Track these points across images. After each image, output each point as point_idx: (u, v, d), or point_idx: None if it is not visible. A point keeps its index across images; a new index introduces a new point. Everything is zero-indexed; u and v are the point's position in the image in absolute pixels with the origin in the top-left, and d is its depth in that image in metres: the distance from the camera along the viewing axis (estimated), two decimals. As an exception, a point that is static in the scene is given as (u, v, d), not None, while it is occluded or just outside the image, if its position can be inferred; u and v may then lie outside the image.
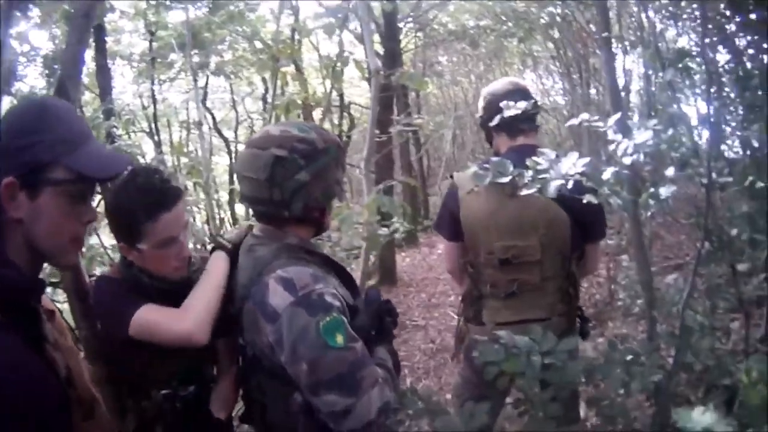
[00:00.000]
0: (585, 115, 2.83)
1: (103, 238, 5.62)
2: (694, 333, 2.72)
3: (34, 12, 8.90)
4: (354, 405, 2.37)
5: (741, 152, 3.35)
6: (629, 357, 2.58)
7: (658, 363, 2.60)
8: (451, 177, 3.92)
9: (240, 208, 13.61)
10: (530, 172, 2.52)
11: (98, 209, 2.25)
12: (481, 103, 3.94)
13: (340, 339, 2.39)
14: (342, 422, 2.40)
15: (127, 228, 2.72)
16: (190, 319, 2.64)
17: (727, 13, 3.50)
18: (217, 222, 12.72)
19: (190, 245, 3.33)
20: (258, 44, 13.67)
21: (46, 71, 9.85)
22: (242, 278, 2.70)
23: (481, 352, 2.57)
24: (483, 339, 2.74)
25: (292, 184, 2.57)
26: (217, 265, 2.83)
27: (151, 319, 2.68)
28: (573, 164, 2.46)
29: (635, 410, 2.99)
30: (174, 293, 2.81)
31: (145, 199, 2.64)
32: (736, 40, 3.89)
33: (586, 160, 2.46)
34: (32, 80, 10.22)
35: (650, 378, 2.53)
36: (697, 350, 2.71)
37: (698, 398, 2.92)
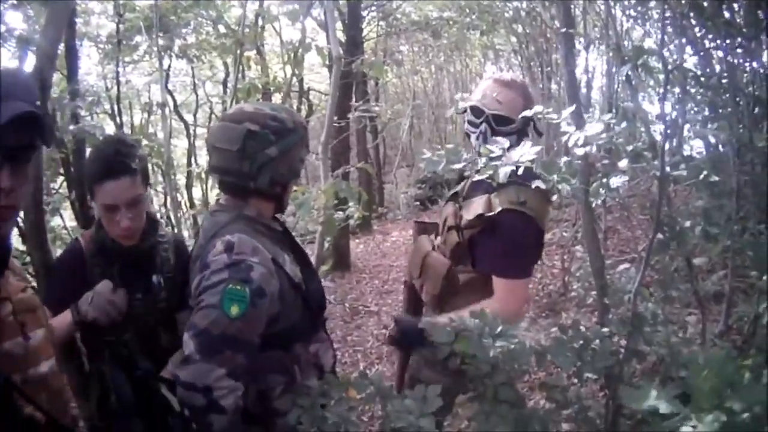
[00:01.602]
0: (539, 107, 2.89)
1: (65, 220, 5.66)
2: (646, 322, 2.78)
3: None
4: (197, 362, 2.47)
5: (701, 150, 3.43)
6: (580, 342, 2.64)
7: (609, 349, 2.66)
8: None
9: (197, 192, 13.58)
10: (483, 159, 2.58)
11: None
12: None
13: (234, 310, 2.49)
14: (181, 367, 2.51)
15: (85, 183, 3.02)
16: None
17: (691, 14, 3.57)
18: (175, 203, 12.73)
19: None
20: (222, 28, 13.64)
21: (19, 53, 9.78)
22: (201, 239, 2.81)
23: (434, 332, 2.62)
24: (436, 321, 2.80)
25: (261, 157, 2.70)
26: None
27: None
28: (525, 152, 2.52)
29: (589, 399, 3.04)
30: (134, 260, 3.10)
31: (98, 162, 2.94)
32: (705, 41, 3.97)
33: (538, 148, 2.53)
34: (5, 61, 10.15)
35: (602, 363, 2.59)
36: (650, 339, 2.77)
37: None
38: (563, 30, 4.52)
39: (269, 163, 2.72)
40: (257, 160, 2.71)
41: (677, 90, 3.50)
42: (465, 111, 3.60)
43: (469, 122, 3.58)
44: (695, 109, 3.67)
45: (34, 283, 2.91)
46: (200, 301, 2.54)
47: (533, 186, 2.78)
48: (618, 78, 8.88)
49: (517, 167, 2.51)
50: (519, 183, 2.96)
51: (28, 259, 4.19)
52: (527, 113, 2.98)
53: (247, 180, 2.76)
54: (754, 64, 3.82)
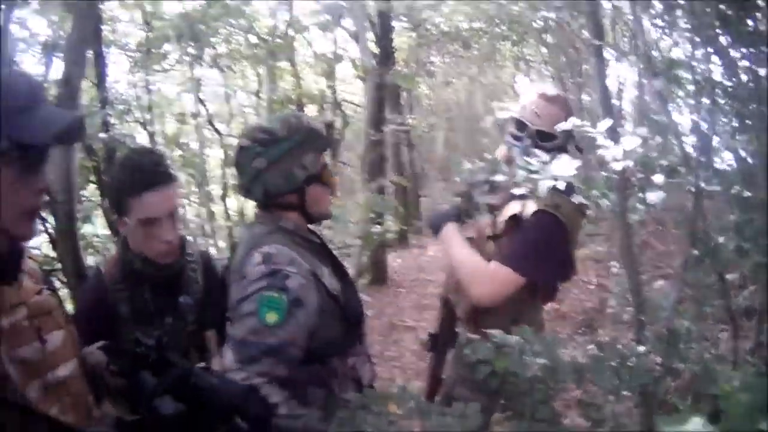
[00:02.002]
0: (576, 120, 2.87)
1: (97, 227, 5.68)
2: (682, 338, 2.75)
3: None
4: (236, 372, 2.49)
5: (731, 162, 3.38)
6: (618, 361, 2.61)
7: (646, 366, 2.63)
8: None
9: (232, 202, 13.59)
10: (522, 172, 2.56)
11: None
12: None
13: (271, 318, 2.53)
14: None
15: (116, 199, 2.90)
16: None
17: (720, 26, 3.53)
18: (210, 214, 12.74)
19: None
20: (253, 38, 13.66)
21: (44, 58, 9.82)
22: (239, 251, 2.83)
23: (473, 349, 2.63)
24: (475, 337, 2.78)
25: (251, 170, 2.79)
26: None
27: None
28: (565, 167, 2.50)
29: (625, 417, 3.01)
30: (164, 282, 2.99)
31: (133, 174, 2.82)
32: (731, 51, 3.93)
33: (577, 162, 2.51)
34: (30, 67, 10.21)
35: (638, 381, 2.56)
36: (685, 356, 2.74)
37: (686, 407, 2.95)
38: (594, 43, 4.50)
39: (258, 175, 2.78)
40: (247, 173, 2.80)
41: (706, 101, 3.47)
42: (506, 122, 3.59)
43: (512, 136, 3.57)
44: (724, 119, 3.63)
45: (61, 288, 2.95)
46: (238, 311, 2.58)
47: (573, 200, 2.77)
48: (649, 89, 8.82)
49: (557, 181, 2.49)
50: (562, 193, 2.95)
51: (58, 265, 4.21)
52: (564, 125, 2.96)
53: (246, 192, 2.87)
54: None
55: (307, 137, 2.86)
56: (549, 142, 3.48)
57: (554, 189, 2.59)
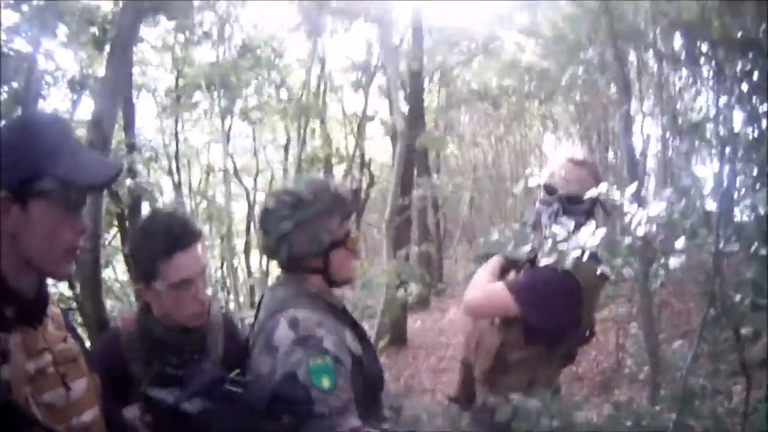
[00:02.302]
0: (604, 186, 2.88)
1: (117, 272, 5.70)
2: (697, 396, 2.74)
3: (61, 30, 8.96)
4: None
5: (749, 215, 3.37)
6: (633, 420, 2.60)
7: (660, 426, 2.62)
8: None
9: (254, 258, 13.64)
10: (550, 242, 2.57)
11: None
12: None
13: (326, 383, 2.46)
14: None
15: (143, 265, 2.67)
16: None
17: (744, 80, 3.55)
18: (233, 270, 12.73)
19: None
20: (284, 92, 13.77)
21: (72, 96, 9.88)
22: (261, 314, 2.79)
23: (495, 412, 2.65)
24: (495, 401, 2.77)
25: (277, 232, 2.75)
26: None
27: None
28: (591, 234, 2.50)
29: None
30: (185, 348, 2.71)
31: (162, 237, 2.63)
32: (754, 99, 3.93)
33: (603, 230, 2.51)
34: (56, 102, 10.26)
35: (655, 440, 2.55)
36: (698, 413, 2.73)
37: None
38: (621, 109, 4.52)
39: (284, 238, 2.75)
40: (273, 236, 2.77)
41: (729, 152, 3.46)
42: (537, 187, 3.61)
43: (542, 201, 3.59)
44: (744, 173, 3.62)
45: (82, 333, 2.88)
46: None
47: (598, 272, 2.78)
48: (673, 144, 8.85)
49: (583, 252, 2.50)
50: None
51: (74, 305, 4.23)
52: (593, 192, 2.96)
53: (272, 254, 2.84)
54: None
55: (333, 203, 2.84)
56: (577, 206, 3.49)
57: (580, 259, 2.60)
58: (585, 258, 2.48)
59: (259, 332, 2.71)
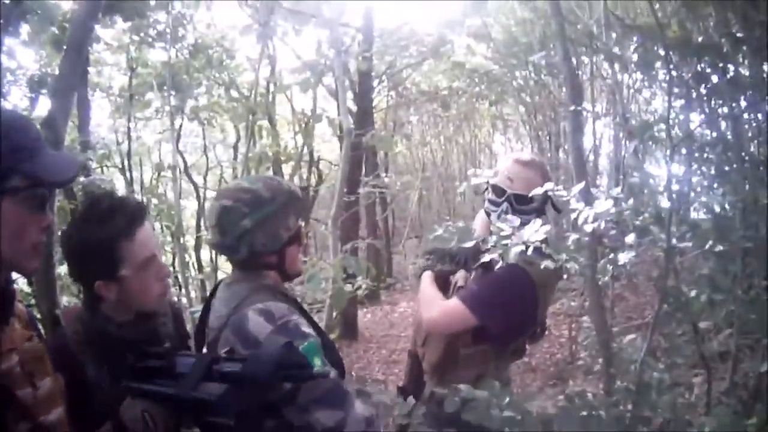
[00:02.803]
0: (550, 185, 2.93)
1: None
2: (652, 388, 2.79)
3: (24, 28, 8.89)
4: (345, 418, 2.49)
5: (705, 216, 3.44)
6: (587, 411, 2.65)
7: (615, 416, 2.67)
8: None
9: (205, 254, 13.57)
10: (494, 238, 2.62)
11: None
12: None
13: (318, 361, 2.40)
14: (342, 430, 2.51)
15: (103, 256, 2.47)
16: None
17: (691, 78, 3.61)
18: (183, 265, 12.67)
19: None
20: (234, 93, 13.74)
21: (31, 94, 9.81)
22: (220, 309, 2.77)
23: (444, 403, 2.70)
24: (443, 392, 2.83)
25: (236, 229, 2.72)
26: None
27: None
28: (535, 231, 2.55)
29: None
30: (141, 340, 2.56)
31: (119, 216, 2.51)
32: (710, 102, 4.00)
33: (548, 227, 2.56)
34: (16, 99, 10.18)
35: (609, 431, 2.60)
36: (655, 405, 2.78)
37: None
38: (571, 108, 4.58)
39: (245, 235, 2.73)
40: (233, 233, 2.73)
41: (684, 153, 3.52)
42: (486, 189, 3.65)
43: (490, 201, 3.63)
44: (701, 171, 3.69)
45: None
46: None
47: (542, 266, 2.82)
48: (625, 144, 8.95)
49: (527, 247, 2.55)
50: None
51: (32, 301, 4.20)
52: (539, 190, 3.02)
53: (231, 253, 2.80)
54: (760, 117, 3.87)
55: (290, 200, 2.86)
56: (526, 205, 3.54)
57: (524, 254, 2.65)
58: (529, 252, 2.53)
59: (221, 328, 2.68)
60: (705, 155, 3.50)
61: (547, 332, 3.83)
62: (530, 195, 3.39)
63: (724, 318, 2.99)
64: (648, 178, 3.31)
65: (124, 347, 2.46)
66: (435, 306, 3.46)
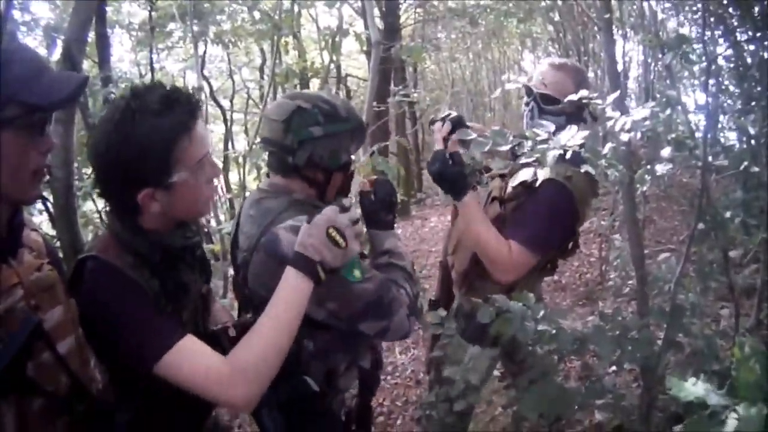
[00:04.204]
0: (584, 92, 2.85)
1: (98, 204, 5.61)
2: (685, 313, 2.74)
3: None
4: (389, 325, 2.53)
5: (737, 141, 3.36)
6: (619, 332, 2.61)
7: (648, 339, 2.62)
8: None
9: (233, 176, 13.53)
10: (530, 142, 2.54)
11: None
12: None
13: (357, 273, 2.47)
14: (383, 338, 2.64)
15: (158, 158, 2.14)
16: (243, 387, 2.13)
17: (730, 8, 3.50)
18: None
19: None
20: (257, 14, 13.57)
21: (47, 41, 9.79)
22: (250, 230, 2.73)
23: (479, 313, 2.66)
24: (477, 301, 2.77)
25: (304, 133, 2.66)
26: (296, 290, 2.31)
27: (190, 367, 2.12)
28: (572, 136, 2.48)
29: (623, 389, 3.02)
30: (182, 260, 2.44)
31: (174, 111, 2.16)
32: (737, 33, 3.90)
33: (585, 132, 2.49)
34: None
35: (641, 353, 2.55)
36: (687, 330, 2.73)
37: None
38: (604, 16, 4.47)
39: (311, 141, 2.68)
40: (299, 135, 2.67)
41: (713, 82, 3.44)
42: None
43: (525, 104, 3.59)
44: (729, 101, 3.61)
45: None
46: (324, 296, 2.47)
47: (582, 170, 2.76)
48: (654, 68, 8.81)
49: (565, 151, 2.48)
50: (570, 163, 2.93)
51: (57, 243, 4.18)
52: (572, 97, 2.94)
53: (287, 153, 2.71)
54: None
55: (358, 127, 2.85)
56: (553, 106, 3.48)
57: (564, 160, 2.58)
58: (568, 156, 2.46)
59: (251, 250, 2.65)
60: (733, 83, 3.40)
61: (578, 251, 3.79)
62: (561, 97, 3.35)
63: (757, 247, 2.91)
64: (680, 96, 3.23)
65: (177, 257, 2.40)
66: (503, 262, 3.36)
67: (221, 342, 2.54)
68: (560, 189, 3.22)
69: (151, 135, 2.09)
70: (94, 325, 2.10)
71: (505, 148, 2.65)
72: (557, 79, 3.45)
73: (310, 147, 2.69)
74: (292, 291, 2.26)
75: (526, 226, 3.33)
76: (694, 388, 1.82)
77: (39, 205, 7.79)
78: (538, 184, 3.23)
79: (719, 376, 1.97)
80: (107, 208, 2.34)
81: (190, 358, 2.10)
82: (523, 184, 3.32)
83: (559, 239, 3.43)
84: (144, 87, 2.19)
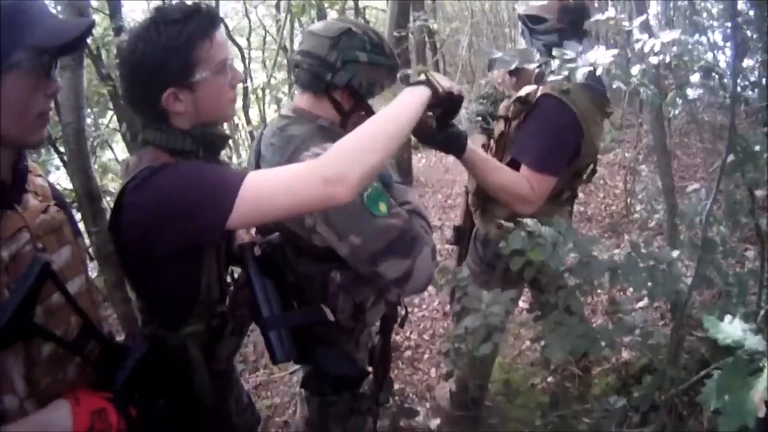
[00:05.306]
0: (611, 12, 2.78)
1: (116, 152, 5.63)
2: (717, 248, 2.67)
3: None
4: (412, 266, 2.47)
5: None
6: (651, 263, 2.55)
7: (679, 273, 2.57)
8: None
9: (254, 113, 13.50)
10: (557, 61, 2.47)
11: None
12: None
13: (383, 207, 2.45)
14: (405, 286, 2.51)
15: (180, 56, 2.25)
16: (337, 166, 2.08)
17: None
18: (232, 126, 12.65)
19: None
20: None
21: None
22: (272, 157, 2.71)
23: (509, 238, 2.60)
24: (509, 225, 2.70)
25: (350, 54, 2.66)
26: (413, 94, 2.42)
27: (274, 182, 2.10)
28: (601, 55, 2.41)
29: (652, 326, 2.97)
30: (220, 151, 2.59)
31: (194, 19, 2.27)
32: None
33: (614, 51, 2.42)
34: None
35: (673, 287, 2.50)
36: (718, 266, 2.67)
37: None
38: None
39: (354, 64, 2.67)
40: (345, 56, 2.66)
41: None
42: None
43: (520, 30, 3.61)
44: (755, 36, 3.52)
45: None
46: (348, 229, 2.48)
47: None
48: (675, 4, 8.68)
49: (594, 69, 2.40)
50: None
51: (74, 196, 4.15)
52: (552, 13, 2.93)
53: (327, 69, 2.68)
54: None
55: (395, 66, 2.84)
56: (540, 25, 3.44)
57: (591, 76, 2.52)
58: (598, 73, 2.40)
59: None
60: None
61: (602, 182, 3.76)
62: (548, 15, 3.36)
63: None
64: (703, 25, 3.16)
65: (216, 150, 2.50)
66: (522, 196, 3.31)
67: (245, 257, 2.60)
68: (557, 103, 3.23)
69: (172, 38, 2.23)
70: (153, 221, 2.14)
71: (533, 66, 2.56)
72: None
73: (353, 69, 2.68)
74: (409, 94, 2.39)
75: (531, 147, 3.34)
76: (731, 328, 1.75)
77: (57, 161, 7.85)
78: (535, 98, 3.21)
79: (744, 319, 1.90)
80: (141, 124, 2.41)
81: (269, 173, 2.16)
82: (519, 99, 3.35)
83: (567, 153, 3.38)
84: (166, 5, 2.34)
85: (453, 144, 3.20)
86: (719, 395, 1.61)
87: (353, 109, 2.80)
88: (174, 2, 2.43)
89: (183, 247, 2.18)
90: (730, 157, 2.55)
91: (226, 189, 2.09)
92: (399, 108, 2.32)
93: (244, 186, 2.07)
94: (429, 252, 2.53)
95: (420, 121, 2.45)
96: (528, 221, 2.61)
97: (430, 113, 2.70)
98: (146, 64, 2.24)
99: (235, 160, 7.93)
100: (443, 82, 2.59)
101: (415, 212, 2.70)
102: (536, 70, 2.69)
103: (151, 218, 2.14)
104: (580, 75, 2.38)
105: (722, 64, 2.95)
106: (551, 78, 2.49)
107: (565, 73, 2.40)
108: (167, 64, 2.23)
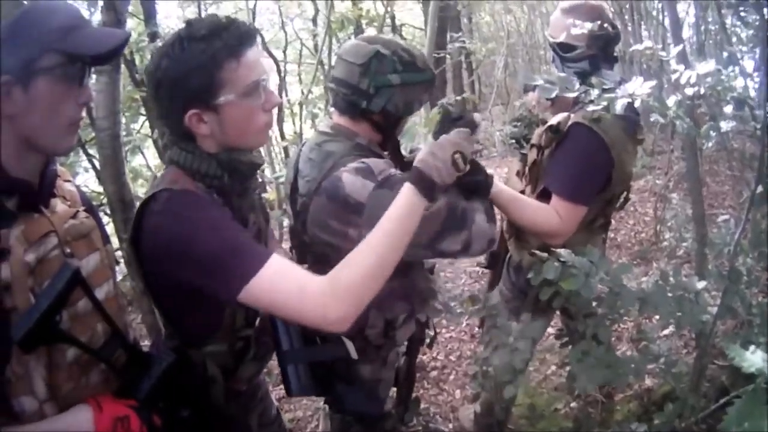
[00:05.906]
0: (649, 43, 2.79)
1: (147, 158, 5.66)
2: (743, 278, 2.68)
3: None
4: (470, 235, 2.50)
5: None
6: (679, 293, 2.56)
7: (707, 303, 2.58)
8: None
9: (288, 127, 13.57)
10: (596, 91, 2.48)
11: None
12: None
13: None
14: (470, 251, 2.55)
15: (203, 76, 2.14)
16: (341, 304, 2.03)
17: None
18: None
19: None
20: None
21: (90, 8, 9.86)
22: (310, 173, 2.70)
23: (543, 268, 2.60)
24: (542, 255, 2.69)
25: (382, 79, 2.66)
26: (410, 207, 2.22)
27: (284, 286, 2.03)
28: (639, 86, 2.43)
29: (676, 355, 2.97)
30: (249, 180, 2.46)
31: (223, 36, 2.14)
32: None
33: (652, 82, 2.43)
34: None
35: (701, 317, 2.51)
36: (743, 296, 2.68)
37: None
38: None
39: (387, 88, 2.67)
40: (376, 81, 2.66)
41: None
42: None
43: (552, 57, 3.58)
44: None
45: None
46: None
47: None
48: (705, 29, 8.66)
49: (633, 100, 2.41)
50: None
51: (104, 200, 4.20)
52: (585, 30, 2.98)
53: (361, 97, 2.69)
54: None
55: (431, 80, 2.83)
56: (571, 53, 3.42)
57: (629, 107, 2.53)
58: (637, 105, 2.42)
59: (310, 194, 2.64)
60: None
61: (633, 209, 3.76)
62: (577, 42, 3.32)
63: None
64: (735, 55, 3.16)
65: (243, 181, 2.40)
66: (554, 231, 3.26)
67: None
68: (588, 132, 3.19)
69: (195, 56, 2.12)
70: (167, 259, 2.09)
71: (572, 94, 2.57)
72: (566, 25, 3.34)
73: (387, 94, 2.68)
74: (406, 207, 2.19)
75: (561, 177, 3.31)
76: (755, 357, 1.77)
77: (86, 163, 7.92)
78: (566, 128, 3.21)
79: (766, 349, 1.92)
80: (166, 141, 2.34)
81: (283, 275, 2.04)
82: (551, 128, 3.31)
83: (598, 183, 3.36)
84: (196, 18, 2.25)
85: (477, 191, 3.21)
86: (739, 422, 1.63)
87: (395, 125, 2.83)
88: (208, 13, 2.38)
89: (199, 290, 2.10)
90: (759, 188, 2.56)
91: (252, 260, 2.03)
92: (397, 230, 2.15)
93: (267, 265, 2.02)
94: (482, 218, 2.55)
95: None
96: (561, 251, 2.62)
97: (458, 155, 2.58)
98: (168, 83, 2.17)
99: (268, 174, 7.93)
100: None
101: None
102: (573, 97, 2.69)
103: (171, 253, 2.08)
104: (619, 106, 2.40)
105: (752, 92, 2.94)
106: (590, 107, 2.51)
107: (604, 103, 2.42)
108: (189, 83, 2.14)
